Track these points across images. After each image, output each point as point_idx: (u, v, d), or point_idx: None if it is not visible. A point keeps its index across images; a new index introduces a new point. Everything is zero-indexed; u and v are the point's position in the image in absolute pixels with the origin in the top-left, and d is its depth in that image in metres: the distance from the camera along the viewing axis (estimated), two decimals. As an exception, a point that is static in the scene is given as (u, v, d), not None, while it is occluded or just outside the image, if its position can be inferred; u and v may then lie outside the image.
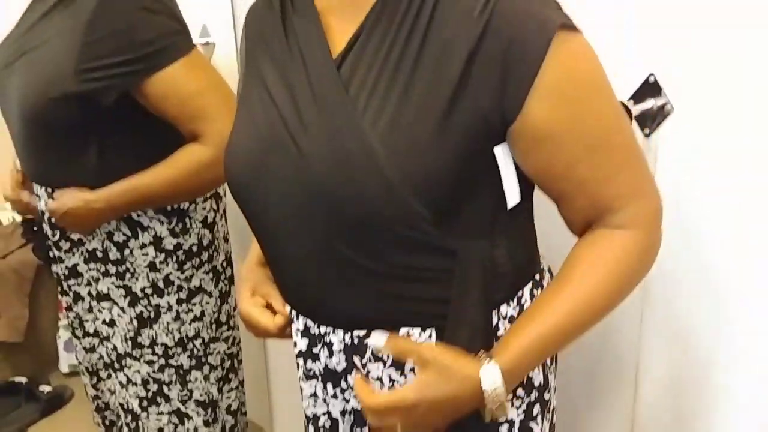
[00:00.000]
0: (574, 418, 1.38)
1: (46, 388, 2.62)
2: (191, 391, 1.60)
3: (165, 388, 1.57)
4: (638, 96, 1.11)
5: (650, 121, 1.11)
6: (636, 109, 1.11)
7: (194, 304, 1.56)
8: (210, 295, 1.59)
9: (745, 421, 1.12)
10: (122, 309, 1.51)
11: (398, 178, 0.82)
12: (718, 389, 1.14)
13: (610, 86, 0.87)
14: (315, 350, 0.97)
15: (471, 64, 0.81)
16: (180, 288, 1.53)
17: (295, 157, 0.87)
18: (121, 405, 1.59)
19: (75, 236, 1.49)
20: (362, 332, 0.92)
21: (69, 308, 1.63)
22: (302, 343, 0.98)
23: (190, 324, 1.55)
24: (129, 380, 1.56)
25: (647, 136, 1.12)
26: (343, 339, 0.94)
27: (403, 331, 0.91)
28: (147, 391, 1.56)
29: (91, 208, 1.42)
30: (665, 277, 1.17)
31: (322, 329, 0.95)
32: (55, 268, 1.59)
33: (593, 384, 1.34)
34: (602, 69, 0.86)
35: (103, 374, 1.64)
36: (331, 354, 0.96)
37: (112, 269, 1.49)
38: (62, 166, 1.44)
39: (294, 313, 0.99)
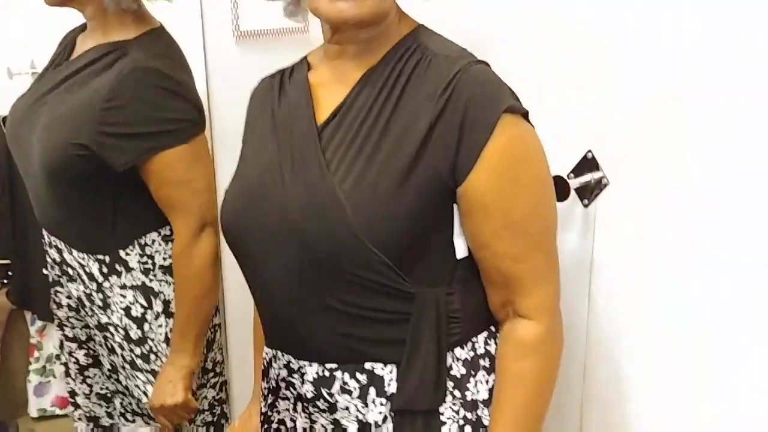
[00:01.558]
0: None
1: (15, 432, 2.62)
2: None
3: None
4: (577, 170, 1.24)
5: (588, 192, 1.24)
6: (576, 182, 1.23)
7: None
8: None
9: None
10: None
11: (362, 229, 0.94)
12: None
13: (543, 174, 1.00)
14: (291, 379, 1.08)
15: (432, 131, 0.95)
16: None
17: (275, 206, 1.00)
18: None
19: (99, 301, 1.54)
20: (333, 365, 1.03)
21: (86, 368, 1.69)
22: (283, 373, 1.09)
23: None
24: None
25: (586, 206, 1.25)
26: (316, 371, 1.04)
27: (368, 365, 1.02)
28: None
29: (176, 367, 1.51)
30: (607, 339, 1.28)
31: (300, 363, 1.05)
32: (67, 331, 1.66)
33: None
34: (540, 157, 1.00)
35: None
36: (303, 382, 1.06)
37: (137, 350, 1.55)
38: (78, 221, 1.51)
39: (278, 352, 1.09)
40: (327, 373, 1.03)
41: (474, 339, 1.06)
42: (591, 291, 1.28)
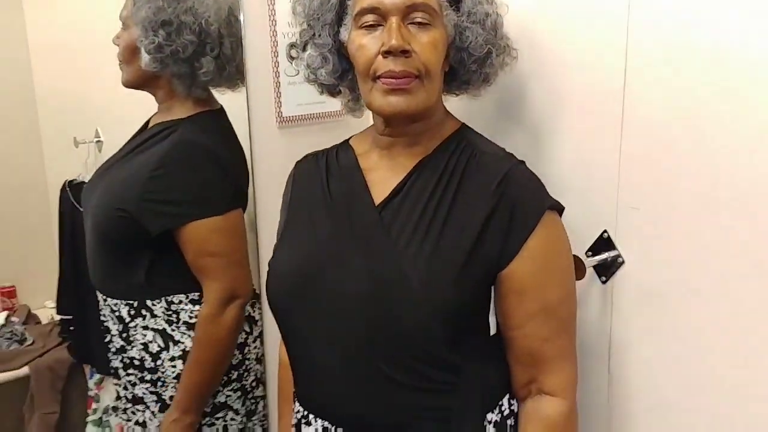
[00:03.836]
0: None
1: (71, 483, 2.70)
2: None
3: None
4: (595, 249, 1.29)
5: (606, 270, 1.28)
6: (593, 260, 1.27)
7: (217, 419, 1.64)
8: (237, 413, 1.68)
9: None
10: (153, 413, 1.62)
11: (429, 306, 1.02)
12: None
13: (572, 265, 1.10)
14: None
15: (488, 222, 1.04)
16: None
17: (337, 281, 1.07)
18: None
19: (118, 344, 1.62)
20: None
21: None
22: None
23: None
24: None
25: (604, 282, 1.29)
26: None
27: None
28: None
29: (175, 421, 1.55)
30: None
31: (338, 430, 1.11)
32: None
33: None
34: (569, 249, 1.10)
35: None
36: None
37: (147, 377, 1.61)
38: (115, 277, 1.59)
39: (311, 416, 1.14)
40: None
41: (500, 402, 1.14)
42: (610, 366, 1.31)
